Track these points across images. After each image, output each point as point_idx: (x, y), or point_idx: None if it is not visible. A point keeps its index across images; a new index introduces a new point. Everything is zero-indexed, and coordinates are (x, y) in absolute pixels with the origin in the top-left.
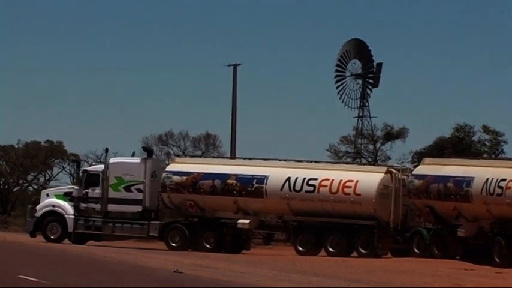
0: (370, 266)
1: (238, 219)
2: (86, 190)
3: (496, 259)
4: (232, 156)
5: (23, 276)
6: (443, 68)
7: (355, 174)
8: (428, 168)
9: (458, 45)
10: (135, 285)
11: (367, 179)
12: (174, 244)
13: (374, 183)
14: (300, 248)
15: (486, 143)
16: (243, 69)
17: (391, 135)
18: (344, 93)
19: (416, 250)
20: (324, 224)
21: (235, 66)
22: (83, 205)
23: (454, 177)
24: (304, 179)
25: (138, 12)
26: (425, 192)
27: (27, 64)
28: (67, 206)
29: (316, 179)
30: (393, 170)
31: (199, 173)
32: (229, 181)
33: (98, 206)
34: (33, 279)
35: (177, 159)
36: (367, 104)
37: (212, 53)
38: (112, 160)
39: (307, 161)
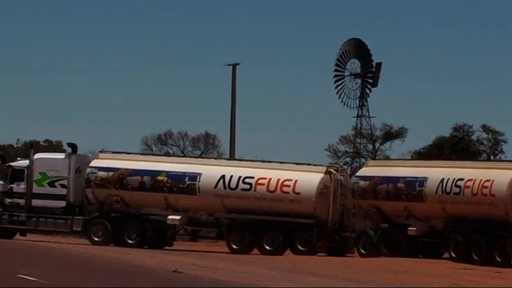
0: (370, 266)
1: (167, 215)
2: (11, 185)
3: (453, 254)
4: (232, 156)
5: (22, 276)
6: (442, 68)
7: (293, 173)
8: (375, 169)
9: (458, 45)
10: (135, 285)
11: (307, 178)
12: (96, 239)
13: (314, 183)
14: (234, 246)
15: (485, 142)
16: (243, 69)
17: (390, 134)
18: (343, 93)
19: (362, 251)
20: (260, 222)
21: (234, 66)
22: (8, 200)
23: (405, 177)
24: (240, 177)
25: (138, 12)
26: (372, 193)
27: (27, 64)
28: None
29: (252, 178)
30: (332, 170)
31: (127, 169)
32: (159, 177)
33: (22, 201)
34: (33, 278)
35: (101, 155)
36: (366, 104)
37: (212, 53)
38: (36, 156)
39: (242, 160)
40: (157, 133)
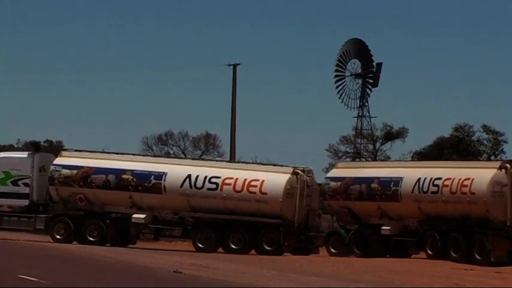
0: (370, 266)
1: (132, 214)
2: None
3: (429, 252)
4: (232, 156)
5: (22, 276)
6: (443, 68)
7: (260, 174)
8: (346, 171)
9: (458, 45)
10: (135, 285)
11: (274, 179)
12: (58, 237)
13: (281, 183)
14: (200, 245)
15: (486, 142)
16: (243, 69)
17: (391, 135)
18: (344, 93)
19: (333, 250)
20: (227, 221)
21: (235, 66)
22: None
23: (379, 178)
24: (206, 176)
25: (138, 12)
26: (343, 193)
27: (27, 64)
28: None
29: (219, 177)
30: (299, 172)
31: (91, 167)
32: (124, 176)
33: None
34: (33, 279)
35: (64, 153)
36: (366, 104)
37: (212, 53)
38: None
39: (208, 160)
40: (158, 133)
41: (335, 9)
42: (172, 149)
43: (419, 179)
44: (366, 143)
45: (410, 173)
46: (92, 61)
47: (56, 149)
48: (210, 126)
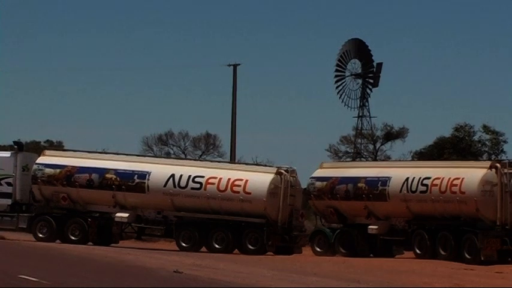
0: (370, 266)
1: (115, 213)
2: None
3: (417, 251)
4: (232, 156)
5: (23, 276)
6: (443, 68)
7: (244, 173)
8: (331, 171)
9: (458, 45)
10: (135, 285)
11: (258, 178)
12: (41, 235)
13: (265, 183)
14: (183, 244)
15: (486, 142)
16: (243, 69)
17: (391, 135)
18: (344, 93)
19: (318, 249)
20: (210, 221)
21: (235, 66)
22: None
23: (366, 177)
24: (190, 176)
25: (138, 12)
26: (329, 193)
27: (27, 64)
28: None
29: (203, 177)
30: (282, 171)
31: (74, 166)
32: (107, 175)
33: None
34: (33, 279)
35: (47, 152)
36: (367, 104)
37: (212, 53)
38: None
39: (192, 159)
40: (158, 133)
41: (335, 9)
42: (172, 149)
43: (407, 178)
44: (366, 143)
45: (398, 173)
46: (92, 61)
47: (56, 149)
48: (210, 126)
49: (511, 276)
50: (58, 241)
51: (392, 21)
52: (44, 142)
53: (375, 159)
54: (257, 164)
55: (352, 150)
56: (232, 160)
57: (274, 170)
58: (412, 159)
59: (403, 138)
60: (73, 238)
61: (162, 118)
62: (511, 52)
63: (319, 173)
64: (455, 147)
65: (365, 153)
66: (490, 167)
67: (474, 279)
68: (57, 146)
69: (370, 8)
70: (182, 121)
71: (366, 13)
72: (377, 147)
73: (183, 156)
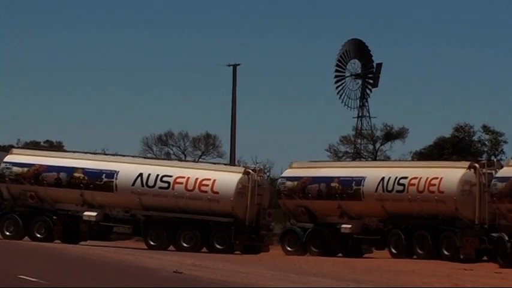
0: (370, 266)
1: (83, 211)
2: None
3: (393, 250)
4: (232, 156)
5: (22, 276)
6: (443, 68)
7: (212, 173)
8: (302, 170)
9: (458, 45)
10: (135, 285)
11: (226, 178)
12: (8, 233)
13: (233, 183)
14: (151, 242)
15: (486, 143)
16: (243, 69)
17: (391, 135)
18: (344, 93)
19: (288, 248)
20: (178, 220)
21: (235, 66)
22: None
23: (339, 177)
24: (158, 175)
25: (138, 12)
26: (300, 192)
27: (27, 64)
28: None
29: (171, 176)
30: (250, 171)
31: (42, 165)
32: (75, 174)
33: None
34: (33, 279)
35: (15, 150)
36: (366, 104)
37: (212, 53)
38: None
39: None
40: (158, 133)
41: (335, 9)
42: (172, 150)
43: (383, 178)
44: (366, 143)
45: (373, 173)
46: (92, 61)
47: (55, 149)
48: (210, 127)
49: (510, 276)
50: (26, 238)
51: (392, 21)
52: (44, 142)
53: (374, 160)
54: (224, 164)
55: (352, 151)
56: (232, 160)
57: (242, 169)
58: (412, 159)
59: (402, 139)
60: (39, 236)
61: (162, 118)
62: (511, 52)
63: (290, 172)
64: (455, 147)
65: (365, 154)
66: (469, 167)
67: (474, 279)
68: (57, 146)
69: (370, 8)
70: (182, 121)
71: (366, 13)
72: (377, 148)
73: (182, 156)
